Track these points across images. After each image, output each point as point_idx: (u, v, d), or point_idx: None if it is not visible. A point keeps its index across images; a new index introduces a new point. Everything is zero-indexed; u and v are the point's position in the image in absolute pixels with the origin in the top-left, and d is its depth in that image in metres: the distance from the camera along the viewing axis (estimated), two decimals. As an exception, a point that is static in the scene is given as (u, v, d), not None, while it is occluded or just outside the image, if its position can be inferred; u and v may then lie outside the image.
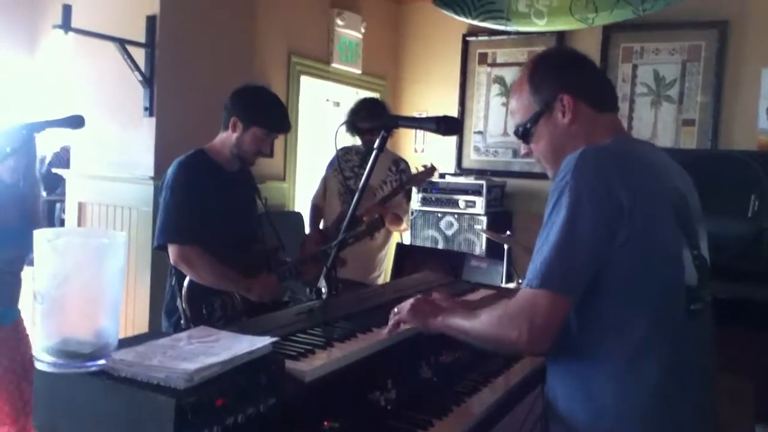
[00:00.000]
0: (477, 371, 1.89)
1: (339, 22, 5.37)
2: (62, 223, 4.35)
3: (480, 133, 5.96)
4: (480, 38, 5.90)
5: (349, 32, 5.49)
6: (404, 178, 3.68)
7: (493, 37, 5.78)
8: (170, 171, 2.59)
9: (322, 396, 1.39)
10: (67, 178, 4.10)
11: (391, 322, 1.71)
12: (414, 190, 4.63)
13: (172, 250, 2.50)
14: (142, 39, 3.61)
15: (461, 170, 5.95)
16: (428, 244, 5.39)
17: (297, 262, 2.76)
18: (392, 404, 1.54)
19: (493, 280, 3.79)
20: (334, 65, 5.44)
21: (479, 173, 5.74)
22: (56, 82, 4.97)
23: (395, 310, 1.73)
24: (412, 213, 5.25)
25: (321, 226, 3.70)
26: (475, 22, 5.36)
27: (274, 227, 2.74)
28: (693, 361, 1.45)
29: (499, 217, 5.42)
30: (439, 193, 5.34)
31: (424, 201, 5.42)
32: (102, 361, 1.15)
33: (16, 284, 2.64)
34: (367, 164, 1.96)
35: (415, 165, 3.85)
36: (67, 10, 3.23)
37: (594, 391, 1.41)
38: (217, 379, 1.14)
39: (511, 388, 1.85)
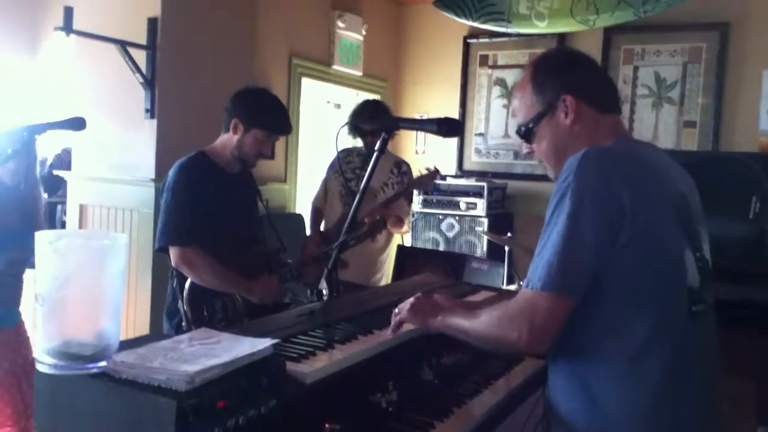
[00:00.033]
0: (478, 373, 1.89)
1: (340, 24, 5.37)
2: (63, 225, 4.35)
3: (481, 135, 5.96)
4: (481, 40, 5.90)
5: (350, 34, 5.49)
6: (406, 181, 3.68)
7: (494, 39, 5.79)
8: (171, 173, 2.59)
9: (323, 398, 1.39)
10: (69, 180, 4.11)
11: (393, 323, 1.72)
12: (415, 192, 4.63)
13: (173, 252, 2.50)
14: (143, 41, 3.62)
15: (462, 172, 5.95)
16: (429, 246, 5.39)
17: (298, 264, 2.76)
18: (393, 406, 1.54)
19: (494, 282, 3.79)
20: (335, 67, 5.44)
21: (480, 175, 5.74)
22: (57, 84, 4.98)
23: (396, 310, 1.74)
24: (413, 215, 5.25)
25: (322, 227, 3.70)
26: (476, 24, 5.36)
27: (275, 229, 2.74)
28: (695, 363, 1.45)
29: (500, 219, 5.41)
30: (440, 195, 5.34)
31: (425, 203, 5.42)
32: (103, 363, 1.15)
33: (17, 286, 2.64)
34: (368, 166, 1.96)
35: (418, 168, 3.85)
36: (68, 12, 3.24)
37: (595, 392, 1.41)
38: (218, 381, 1.14)
39: (512, 390, 1.85)
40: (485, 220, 5.24)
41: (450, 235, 5.38)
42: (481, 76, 5.96)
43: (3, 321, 2.61)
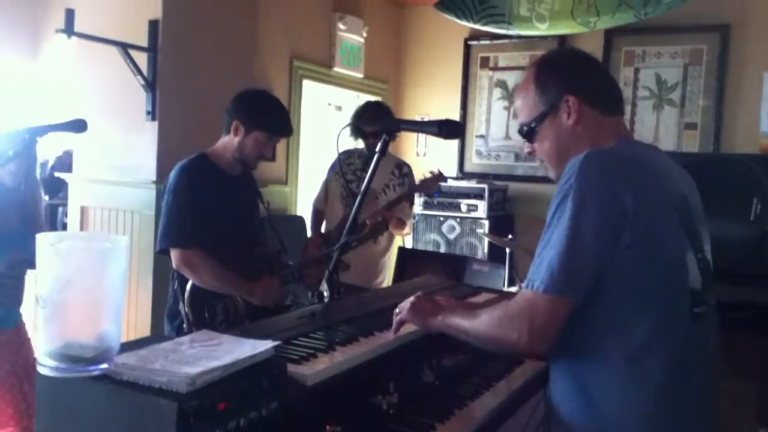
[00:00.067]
0: (479, 375, 1.89)
1: (341, 26, 5.38)
2: (65, 227, 4.35)
3: (482, 136, 5.96)
4: (482, 42, 5.91)
5: (351, 36, 5.50)
6: (407, 182, 3.68)
7: (495, 41, 5.79)
8: (172, 175, 2.59)
9: (324, 400, 1.39)
10: (70, 182, 4.11)
11: (394, 322, 1.73)
12: (416, 194, 4.63)
13: (174, 254, 2.51)
14: (144, 43, 3.62)
15: (463, 174, 5.95)
16: (430, 248, 5.39)
17: (299, 266, 2.76)
18: (394, 408, 1.54)
19: (495, 284, 3.79)
20: (336, 69, 5.45)
21: (481, 177, 5.74)
22: (59, 86, 4.98)
23: (397, 310, 1.74)
24: (414, 217, 5.25)
25: (323, 229, 3.70)
26: (477, 26, 5.36)
27: (276, 231, 2.74)
28: (696, 364, 1.45)
29: (501, 220, 5.41)
30: (441, 197, 5.34)
31: (426, 205, 5.42)
32: (104, 365, 1.15)
33: (18, 287, 2.65)
34: (369, 167, 1.96)
35: (422, 171, 3.85)
36: (69, 14, 3.24)
37: (595, 392, 1.41)
38: (220, 383, 1.14)
39: (513, 392, 1.85)
40: (486, 222, 5.24)
41: (451, 237, 5.38)
42: (482, 77, 5.96)
43: (4, 322, 2.61)
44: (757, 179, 3.36)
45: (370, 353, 1.59)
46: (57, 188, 4.58)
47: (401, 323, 1.73)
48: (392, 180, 3.67)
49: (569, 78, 1.54)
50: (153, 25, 3.64)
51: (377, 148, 1.95)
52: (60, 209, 4.58)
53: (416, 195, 4.19)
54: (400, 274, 4.10)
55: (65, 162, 4.73)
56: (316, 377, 1.37)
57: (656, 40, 5.19)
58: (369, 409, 1.51)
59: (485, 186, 5.30)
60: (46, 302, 1.13)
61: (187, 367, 1.14)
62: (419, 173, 3.79)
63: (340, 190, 3.63)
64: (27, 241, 2.55)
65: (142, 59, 3.60)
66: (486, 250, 5.17)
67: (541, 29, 5.05)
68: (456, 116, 5.90)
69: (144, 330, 3.62)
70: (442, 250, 5.35)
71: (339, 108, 5.96)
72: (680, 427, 1.42)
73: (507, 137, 5.84)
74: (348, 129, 3.61)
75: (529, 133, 1.59)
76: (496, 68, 5.91)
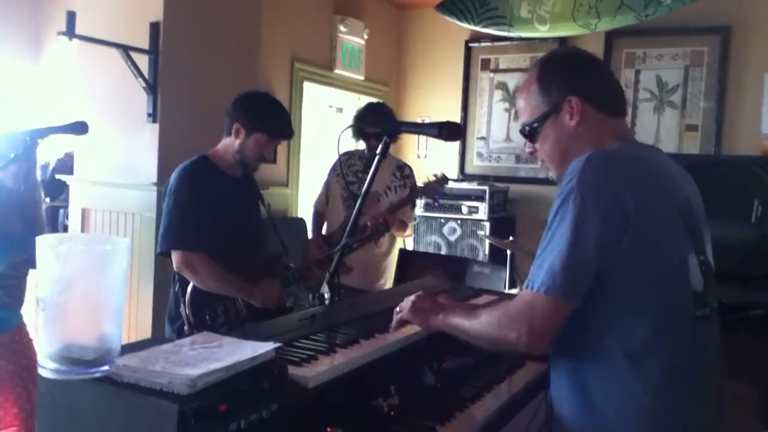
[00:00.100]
0: (480, 377, 1.89)
1: (342, 28, 5.38)
2: (66, 229, 4.36)
3: (483, 138, 5.97)
4: (482, 44, 5.91)
5: (352, 38, 5.51)
6: (408, 184, 3.68)
7: (496, 43, 5.80)
8: (173, 177, 2.59)
9: (325, 402, 1.39)
10: (71, 184, 4.11)
11: (394, 320, 1.73)
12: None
13: (175, 256, 2.51)
14: (145, 45, 3.62)
15: (464, 176, 5.96)
16: (431, 250, 5.39)
17: (300, 268, 2.76)
18: (395, 410, 1.54)
19: (496, 286, 3.79)
20: (337, 71, 5.45)
21: (482, 179, 5.74)
22: (60, 88, 4.99)
23: (397, 308, 1.75)
24: (415, 219, 5.26)
25: (324, 231, 3.70)
26: (478, 28, 5.37)
27: (277, 233, 2.74)
28: (698, 366, 1.44)
29: (502, 222, 5.42)
30: (442, 199, 5.34)
31: (427, 207, 5.42)
32: (105, 367, 1.15)
33: (20, 288, 2.65)
34: (370, 169, 1.96)
35: (423, 173, 3.84)
36: (71, 16, 3.25)
37: (595, 392, 1.41)
38: (220, 384, 1.14)
39: (514, 394, 1.85)
40: (487, 224, 5.24)
41: (452, 238, 5.38)
42: (483, 79, 5.97)
43: (6, 323, 2.61)
44: (757, 181, 3.37)
45: (371, 355, 1.59)
46: (58, 190, 4.58)
47: (401, 322, 1.73)
48: (393, 182, 3.67)
49: (572, 78, 1.54)
50: (154, 27, 3.65)
51: (378, 150, 1.95)
52: (61, 211, 4.59)
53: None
54: (400, 276, 4.10)
55: (66, 164, 4.74)
56: (317, 379, 1.37)
57: (657, 41, 5.19)
58: (370, 411, 1.51)
59: (486, 188, 5.30)
60: (46, 304, 1.13)
61: (188, 368, 1.13)
62: (420, 175, 3.79)
63: (341, 192, 3.62)
64: (28, 242, 2.56)
65: (143, 61, 3.61)
66: (487, 252, 5.18)
67: (542, 31, 5.05)
68: (457, 118, 5.91)
69: (145, 332, 3.62)
70: (443, 252, 5.35)
71: (340, 110, 5.97)
72: (682, 428, 1.42)
73: (508, 139, 5.84)
74: (349, 130, 3.61)
75: (531, 133, 1.58)
76: (496, 70, 5.91)
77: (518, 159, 5.78)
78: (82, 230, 3.95)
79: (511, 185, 5.70)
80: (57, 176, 4.44)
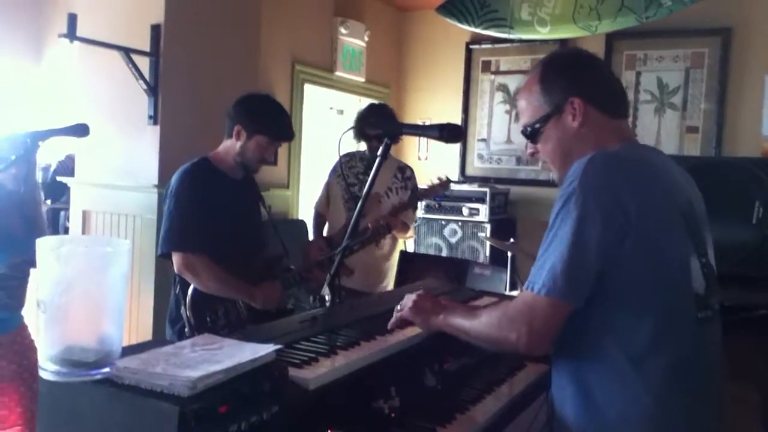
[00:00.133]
0: (481, 379, 1.89)
1: (342, 30, 5.39)
2: (66, 231, 4.36)
3: (483, 140, 5.97)
4: (483, 46, 5.92)
5: (352, 40, 5.51)
6: (410, 185, 3.68)
7: (497, 45, 5.80)
8: (174, 179, 2.59)
9: (325, 404, 1.39)
10: (72, 186, 4.11)
11: (394, 318, 1.73)
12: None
13: (176, 258, 2.51)
14: (146, 48, 3.63)
15: (465, 178, 5.96)
16: (432, 252, 5.39)
17: (301, 270, 2.76)
18: (396, 412, 1.54)
19: (497, 288, 3.79)
20: (337, 73, 5.46)
21: (483, 181, 5.74)
22: (61, 90, 5.00)
23: (398, 306, 1.75)
24: (416, 220, 5.25)
25: (325, 232, 3.70)
26: (479, 30, 5.37)
27: (278, 235, 2.74)
28: (700, 368, 1.44)
29: (503, 224, 5.42)
30: (443, 201, 5.35)
31: (428, 208, 5.42)
32: (105, 369, 1.15)
33: (21, 290, 2.66)
34: (371, 171, 1.96)
35: (423, 175, 3.85)
36: (72, 19, 3.25)
37: (598, 395, 1.41)
38: (221, 386, 1.14)
39: (515, 396, 1.85)
40: (488, 226, 5.24)
41: (453, 240, 5.38)
42: (484, 81, 5.97)
43: (7, 324, 2.62)
44: (758, 183, 3.36)
45: (372, 357, 1.59)
46: (59, 192, 4.59)
47: (402, 320, 1.73)
48: (395, 183, 3.67)
49: (575, 79, 1.53)
50: (155, 29, 3.65)
51: (379, 152, 1.95)
52: (62, 213, 4.59)
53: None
54: (401, 278, 4.10)
55: (67, 166, 4.75)
56: (318, 381, 1.37)
57: (658, 43, 5.19)
58: (371, 413, 1.51)
59: (487, 190, 5.30)
60: (47, 306, 1.13)
61: (189, 370, 1.13)
62: (420, 177, 3.79)
63: (342, 193, 3.62)
64: (28, 243, 2.56)
65: (144, 63, 3.61)
66: (488, 254, 5.18)
67: (543, 33, 5.05)
68: (458, 120, 5.91)
69: (146, 334, 3.62)
70: (444, 253, 5.35)
71: (340, 112, 5.97)
72: (683, 430, 1.42)
73: (508, 141, 5.84)
74: (351, 131, 3.61)
75: (532, 134, 1.57)
76: (497, 72, 5.91)
77: (519, 161, 5.78)
78: (83, 232, 3.96)
79: (512, 187, 5.70)
80: (58, 178, 4.45)
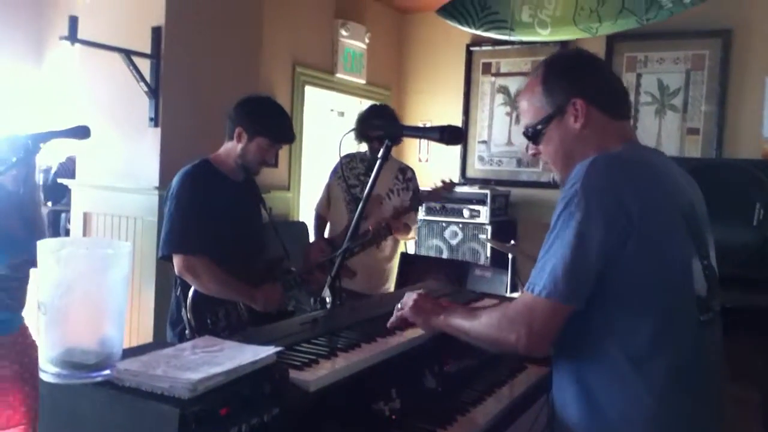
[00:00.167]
0: (481, 381, 1.89)
1: (343, 32, 5.39)
2: (67, 233, 4.36)
3: (484, 142, 5.97)
4: (484, 48, 5.92)
5: (353, 42, 5.51)
6: (411, 186, 3.68)
7: (497, 47, 5.80)
8: (175, 181, 2.59)
9: (326, 406, 1.39)
10: (73, 189, 4.12)
11: (394, 317, 1.73)
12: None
13: (176, 260, 2.51)
14: (147, 50, 3.63)
15: (465, 180, 5.96)
16: (433, 254, 5.39)
17: (302, 272, 2.76)
18: (396, 414, 1.54)
19: (498, 290, 3.78)
20: (338, 75, 5.46)
21: (483, 182, 5.75)
22: (62, 92, 5.00)
23: (398, 305, 1.75)
24: (418, 222, 5.25)
25: (326, 234, 3.70)
26: (479, 32, 5.38)
27: (279, 237, 2.74)
28: (701, 369, 1.44)
29: (504, 226, 5.42)
30: (444, 203, 5.34)
31: (429, 210, 5.42)
32: (106, 372, 1.15)
33: (21, 291, 2.67)
34: (372, 171, 1.96)
35: (424, 177, 3.84)
36: (73, 21, 3.26)
37: (599, 396, 1.41)
38: (221, 388, 1.14)
39: (515, 398, 1.85)
40: (488, 228, 5.24)
41: (453, 242, 5.38)
42: (484, 83, 5.97)
43: (9, 325, 2.63)
44: (759, 185, 3.37)
45: (373, 359, 1.59)
46: (60, 194, 4.59)
47: (402, 319, 1.73)
48: (396, 184, 3.67)
49: (577, 80, 1.53)
50: (156, 31, 3.65)
51: (379, 154, 1.95)
52: (63, 215, 4.59)
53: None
54: (402, 279, 4.09)
55: (68, 168, 4.74)
56: (318, 383, 1.37)
57: (658, 45, 5.19)
58: (371, 415, 1.51)
59: (487, 191, 5.30)
60: (47, 308, 1.13)
61: (189, 373, 1.14)
62: (421, 179, 3.79)
63: (343, 195, 3.62)
64: (28, 243, 2.57)
65: (145, 66, 3.61)
66: (488, 256, 5.17)
67: (543, 35, 5.06)
68: (458, 122, 5.91)
69: (146, 336, 3.62)
70: (445, 255, 5.35)
71: (341, 114, 5.97)
72: (684, 430, 1.42)
73: (509, 143, 5.84)
74: (352, 133, 3.61)
75: (534, 135, 1.57)
76: (498, 74, 5.92)
77: (519, 163, 5.78)
78: (84, 234, 3.96)
79: (513, 189, 5.70)
80: (59, 180, 4.44)
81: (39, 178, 4.48)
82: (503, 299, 2.54)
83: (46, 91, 5.19)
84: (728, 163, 4.06)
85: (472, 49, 5.99)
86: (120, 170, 3.82)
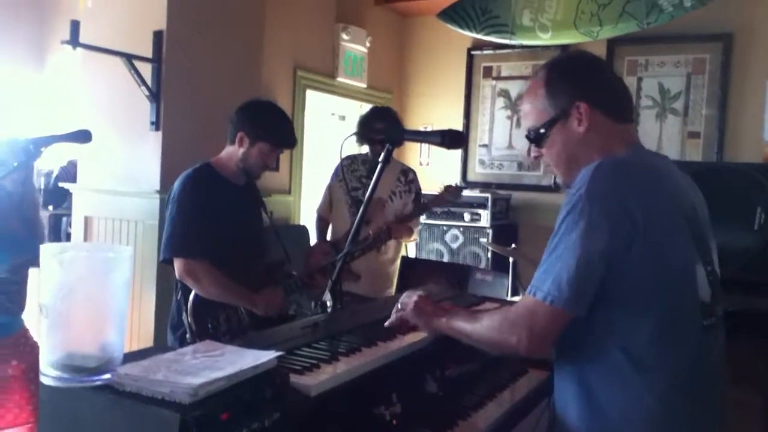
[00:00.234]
0: (482, 385, 1.89)
1: (344, 36, 5.40)
2: (68, 237, 4.36)
3: (485, 146, 5.97)
4: (485, 52, 5.93)
5: (354, 46, 5.52)
6: (413, 189, 3.68)
7: (498, 51, 5.81)
8: (177, 184, 2.60)
9: (327, 410, 1.39)
10: (74, 192, 4.12)
11: (393, 317, 1.73)
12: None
13: (177, 264, 2.51)
14: (149, 54, 3.64)
15: (466, 183, 5.96)
16: (433, 257, 5.38)
17: (303, 275, 2.75)
18: (397, 419, 1.54)
19: (499, 294, 3.78)
20: (339, 79, 5.47)
21: (484, 186, 5.74)
22: (64, 96, 5.00)
23: (398, 305, 1.74)
24: (420, 225, 5.25)
25: (328, 237, 3.69)
26: (480, 36, 5.38)
27: (280, 240, 2.74)
28: (703, 373, 1.44)
29: (505, 230, 5.41)
30: (449, 207, 5.33)
31: (430, 214, 5.42)
32: (107, 376, 1.15)
33: (21, 294, 2.68)
34: (374, 174, 1.96)
35: (425, 180, 3.84)
36: (74, 25, 3.26)
37: (601, 398, 1.41)
38: (222, 393, 1.14)
39: (516, 402, 1.85)
40: (489, 231, 5.24)
41: (454, 246, 5.38)
42: (485, 87, 5.98)
43: (9, 328, 2.63)
44: (760, 188, 3.37)
45: (373, 363, 1.58)
46: (61, 198, 4.59)
47: (402, 320, 1.73)
48: (398, 186, 3.66)
49: (581, 83, 1.52)
50: (157, 36, 3.66)
51: (381, 158, 1.95)
52: (64, 219, 4.59)
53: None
54: (403, 283, 4.09)
55: (69, 172, 4.74)
56: (319, 387, 1.37)
57: (659, 49, 5.20)
58: (372, 419, 1.51)
59: (488, 195, 5.30)
60: (49, 311, 1.13)
61: (190, 377, 1.13)
62: (422, 182, 3.79)
63: (345, 198, 3.62)
64: (28, 244, 2.58)
65: (146, 70, 3.62)
66: (489, 260, 5.17)
67: (544, 39, 5.06)
68: (459, 126, 5.91)
69: (147, 340, 3.62)
70: (445, 259, 5.34)
71: (342, 118, 5.98)
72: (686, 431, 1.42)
73: (510, 146, 5.84)
74: (354, 135, 3.60)
75: (537, 138, 1.56)
76: (499, 78, 5.92)
77: (521, 166, 5.78)
78: (85, 238, 3.96)
79: (514, 192, 5.70)
80: (60, 184, 4.45)
81: (40, 182, 4.50)
82: (504, 303, 2.54)
83: (48, 95, 5.20)
84: (729, 167, 4.05)
85: (473, 52, 5.99)
86: (121, 174, 3.83)
